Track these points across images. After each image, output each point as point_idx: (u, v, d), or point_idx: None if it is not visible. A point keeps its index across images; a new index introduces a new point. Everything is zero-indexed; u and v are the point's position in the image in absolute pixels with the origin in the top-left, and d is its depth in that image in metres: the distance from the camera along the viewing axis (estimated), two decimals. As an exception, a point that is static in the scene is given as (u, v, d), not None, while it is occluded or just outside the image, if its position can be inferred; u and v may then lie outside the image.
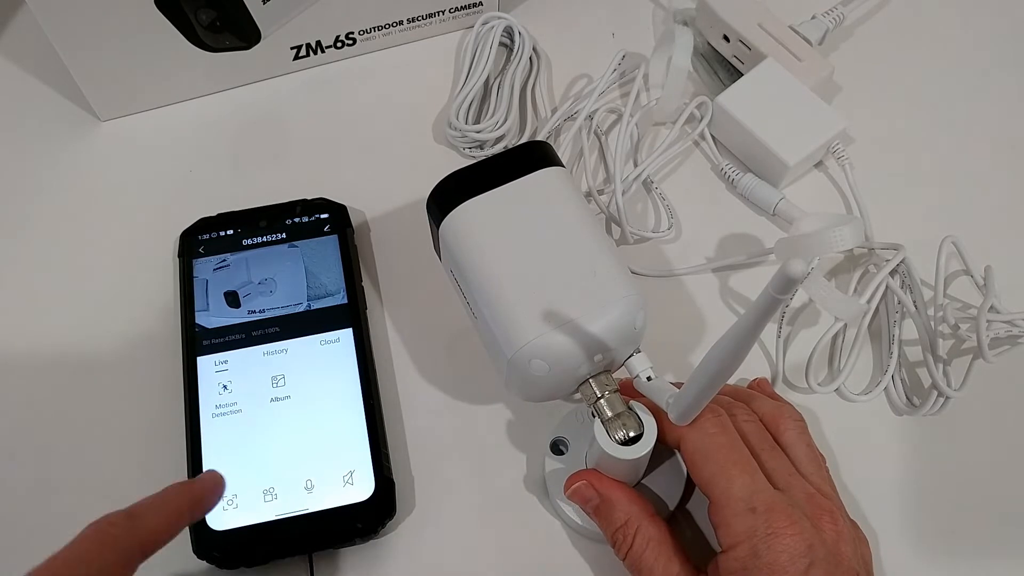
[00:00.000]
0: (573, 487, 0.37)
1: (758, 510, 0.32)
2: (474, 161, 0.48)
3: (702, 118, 0.49)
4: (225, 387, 0.41)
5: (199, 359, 0.41)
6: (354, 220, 0.46)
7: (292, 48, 0.51)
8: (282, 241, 0.45)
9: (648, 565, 0.35)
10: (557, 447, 0.40)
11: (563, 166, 0.39)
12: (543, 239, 0.36)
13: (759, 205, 0.47)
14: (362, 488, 0.39)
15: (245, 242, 0.45)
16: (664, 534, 0.35)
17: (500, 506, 0.40)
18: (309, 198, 0.46)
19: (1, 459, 0.41)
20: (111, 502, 0.40)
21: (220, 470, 0.39)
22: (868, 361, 0.44)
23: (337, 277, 0.44)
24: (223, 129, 0.50)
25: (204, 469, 0.39)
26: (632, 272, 0.44)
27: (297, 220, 0.45)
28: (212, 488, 0.34)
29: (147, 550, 0.31)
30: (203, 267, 0.44)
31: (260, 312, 0.43)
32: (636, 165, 0.49)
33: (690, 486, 0.39)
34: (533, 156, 0.38)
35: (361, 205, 0.48)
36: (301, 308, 0.43)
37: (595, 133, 0.50)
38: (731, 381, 0.37)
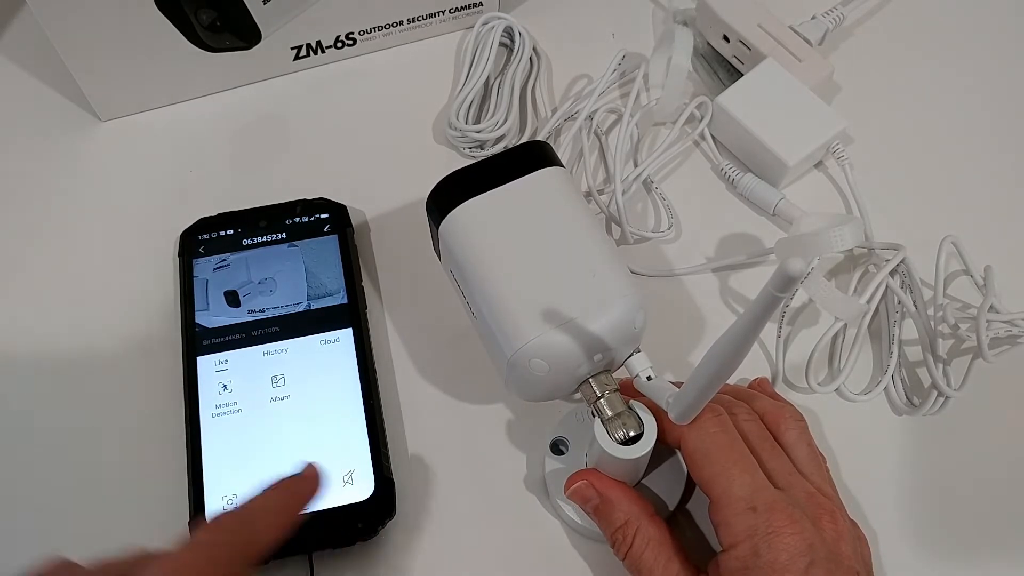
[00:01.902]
0: (573, 487, 0.37)
1: (759, 509, 0.32)
2: (474, 161, 0.48)
3: (702, 118, 0.49)
4: (225, 387, 0.41)
5: (199, 359, 0.41)
6: (354, 220, 0.46)
7: (292, 48, 0.51)
8: (282, 241, 0.45)
9: (648, 565, 0.35)
10: (557, 447, 0.40)
11: (562, 166, 0.39)
12: (542, 239, 0.36)
13: (759, 205, 0.47)
14: (362, 488, 0.38)
15: (245, 242, 0.45)
16: (664, 534, 0.35)
17: (500, 506, 0.40)
18: (309, 198, 0.46)
19: (1, 458, 0.41)
20: (111, 502, 0.40)
21: (219, 470, 0.39)
22: (868, 361, 0.44)
23: (337, 277, 0.44)
24: (223, 129, 0.50)
25: (204, 469, 0.39)
26: (632, 272, 0.44)
27: (297, 220, 0.45)
28: (315, 479, 0.32)
29: (258, 554, 0.29)
30: (203, 267, 0.44)
31: (260, 312, 0.43)
32: (636, 165, 0.49)
33: (690, 486, 0.39)
34: (532, 156, 0.38)
35: (361, 205, 0.48)
36: (301, 308, 0.43)
37: (595, 133, 0.50)
38: (731, 381, 0.37)
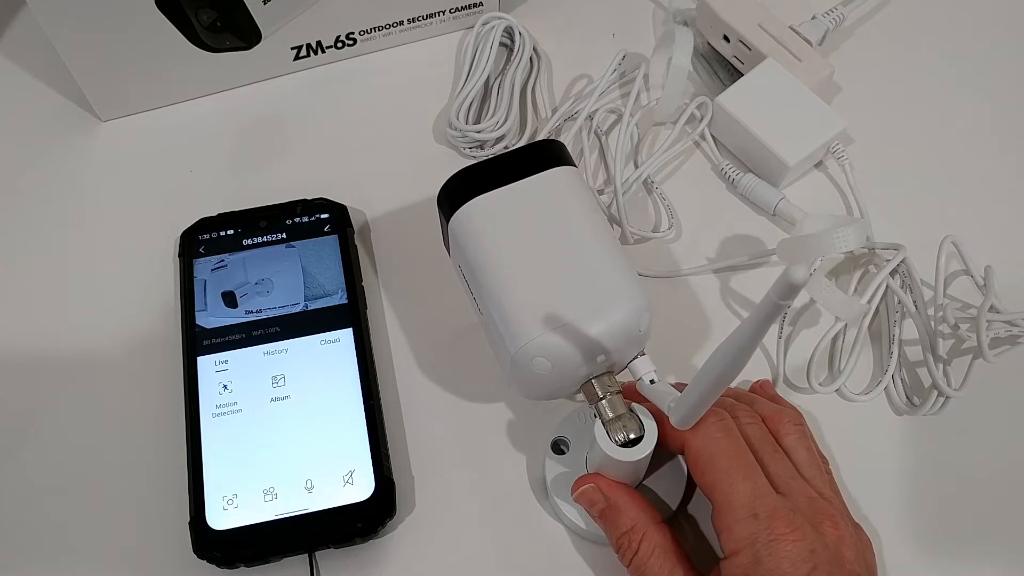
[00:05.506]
0: (580, 490, 0.37)
1: (760, 516, 0.32)
2: (477, 160, 0.48)
3: (702, 118, 0.49)
4: (225, 387, 0.41)
5: (199, 359, 0.41)
6: (354, 220, 0.46)
7: (292, 48, 0.51)
8: (282, 241, 0.45)
9: (653, 572, 0.34)
10: (558, 447, 0.40)
11: (575, 166, 0.39)
12: (552, 238, 0.36)
13: (759, 205, 0.47)
14: (362, 488, 0.39)
15: (245, 242, 0.45)
16: (669, 541, 0.35)
17: (500, 506, 0.40)
18: (309, 198, 0.46)
19: (1, 458, 0.41)
20: (111, 502, 0.40)
21: (219, 470, 0.39)
22: (868, 361, 0.44)
23: (337, 277, 0.44)
24: (223, 129, 0.50)
25: (204, 469, 0.39)
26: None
27: (297, 220, 0.45)
28: None
29: None
30: (203, 267, 0.44)
31: (258, 313, 0.43)
32: (636, 165, 0.49)
33: (691, 487, 0.39)
34: (545, 154, 0.38)
35: (361, 205, 0.48)
36: (298, 308, 0.43)
37: (595, 133, 0.50)
38: (733, 383, 0.37)
